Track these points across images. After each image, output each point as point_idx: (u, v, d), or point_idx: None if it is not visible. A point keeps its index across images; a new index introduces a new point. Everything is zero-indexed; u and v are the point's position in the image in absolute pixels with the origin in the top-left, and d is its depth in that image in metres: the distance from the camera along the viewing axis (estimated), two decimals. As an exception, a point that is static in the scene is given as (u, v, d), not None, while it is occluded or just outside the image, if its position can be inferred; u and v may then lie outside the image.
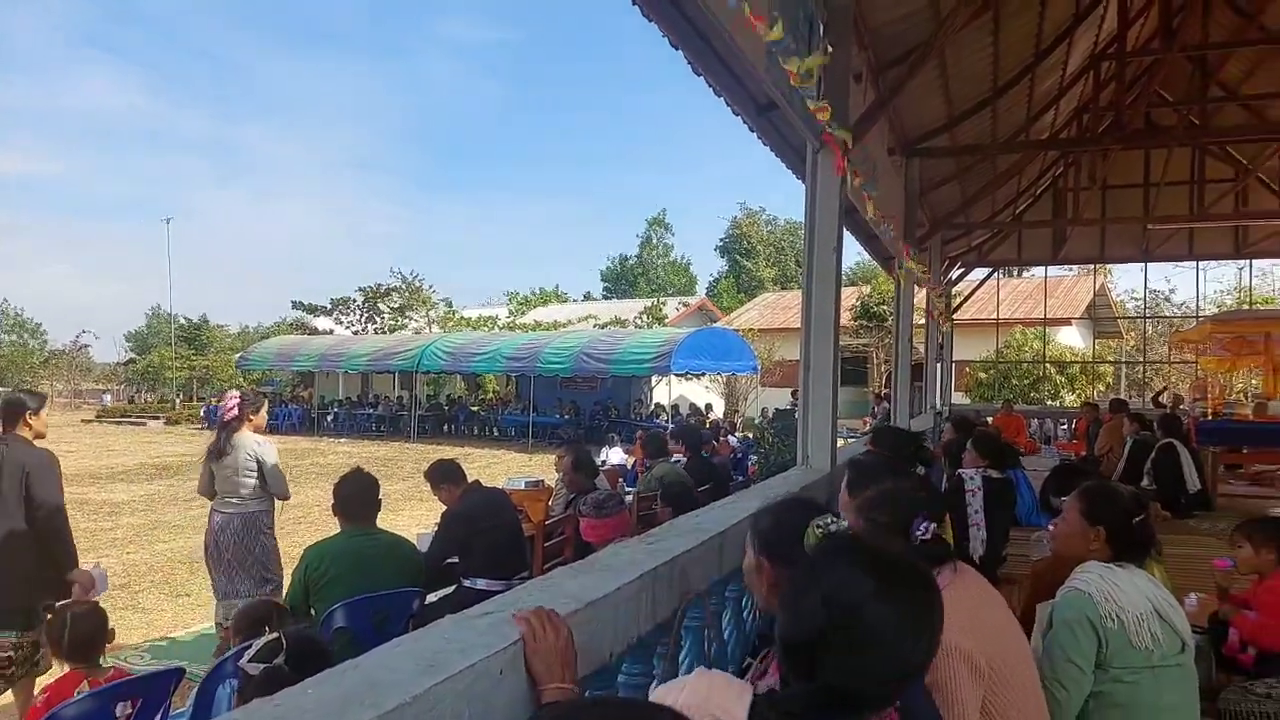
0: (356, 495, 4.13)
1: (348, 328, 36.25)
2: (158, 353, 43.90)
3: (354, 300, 36.24)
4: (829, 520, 1.97)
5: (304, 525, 10.83)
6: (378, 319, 36.03)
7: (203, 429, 29.73)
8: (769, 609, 2.11)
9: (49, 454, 4.39)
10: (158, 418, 33.15)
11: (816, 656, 1.29)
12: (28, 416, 4.44)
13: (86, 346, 49.89)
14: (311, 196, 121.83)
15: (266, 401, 5.74)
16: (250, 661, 2.23)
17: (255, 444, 5.30)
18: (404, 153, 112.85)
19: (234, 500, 5.24)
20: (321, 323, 37.43)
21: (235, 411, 5.33)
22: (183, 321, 46.40)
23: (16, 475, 4.19)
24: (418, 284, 36.56)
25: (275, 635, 2.28)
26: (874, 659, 1.29)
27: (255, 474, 5.26)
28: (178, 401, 37.69)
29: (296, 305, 37.94)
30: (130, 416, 34.22)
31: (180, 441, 24.64)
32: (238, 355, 35.22)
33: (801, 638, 1.32)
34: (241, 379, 35.77)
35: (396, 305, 36.12)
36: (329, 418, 28.55)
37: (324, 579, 3.84)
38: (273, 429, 27.91)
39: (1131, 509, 2.70)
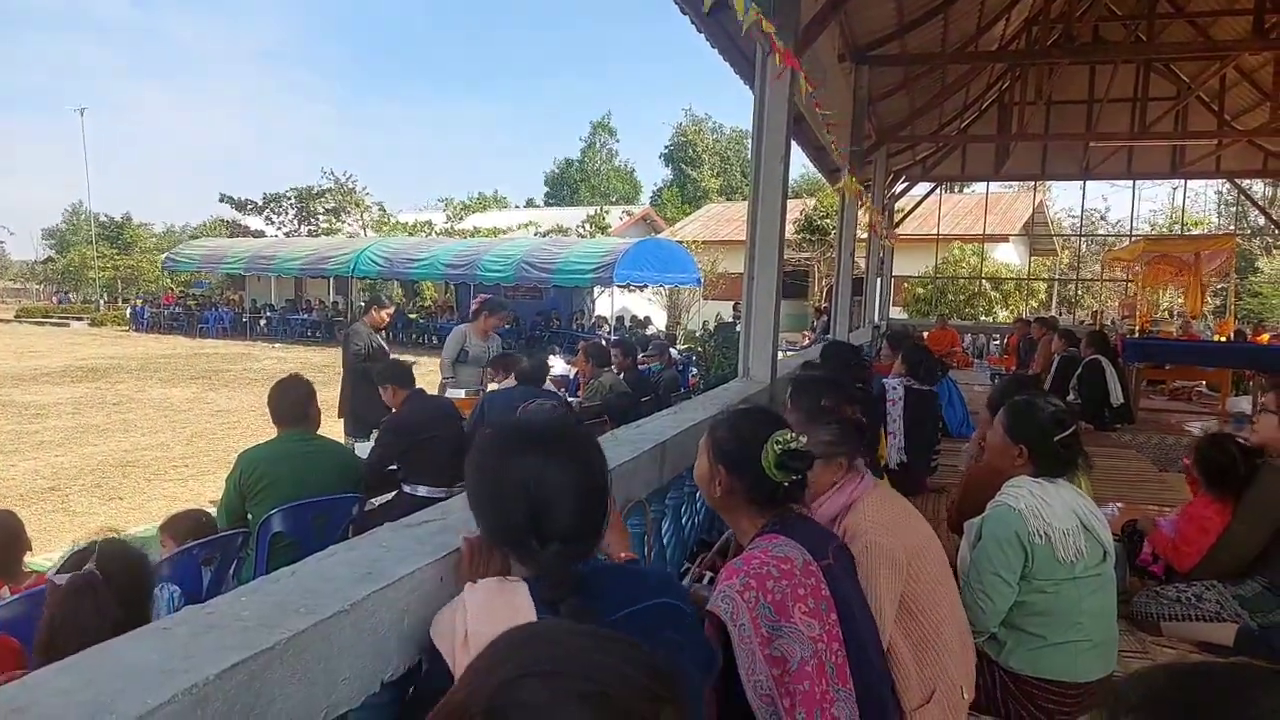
0: (291, 400, 4.03)
1: (279, 228, 35.03)
2: (78, 251, 42.05)
3: (287, 199, 34.94)
4: (789, 436, 1.97)
5: (236, 431, 10.68)
6: (312, 221, 34.86)
7: (129, 331, 28.83)
8: (719, 511, 2.14)
9: (353, 331, 6.87)
10: (81, 319, 31.98)
11: (536, 532, 1.40)
12: (373, 310, 6.97)
13: (1, 243, 47.60)
14: (233, 90, 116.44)
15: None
16: (58, 573, 2.08)
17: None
18: (329, 46, 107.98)
19: None
20: (253, 222, 36.03)
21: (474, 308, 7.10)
22: (103, 220, 44.34)
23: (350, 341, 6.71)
24: (351, 186, 35.37)
25: (83, 546, 2.15)
26: (568, 510, 1.43)
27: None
28: (102, 302, 36.32)
29: (225, 199, 36.17)
30: (53, 317, 32.95)
31: (106, 344, 23.86)
32: (164, 255, 33.86)
33: (514, 528, 1.42)
34: (168, 280, 34.58)
35: (330, 207, 34.94)
36: (261, 322, 27.86)
37: (260, 484, 3.76)
38: (203, 332, 27.30)
39: (1052, 427, 2.71)
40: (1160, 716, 0.76)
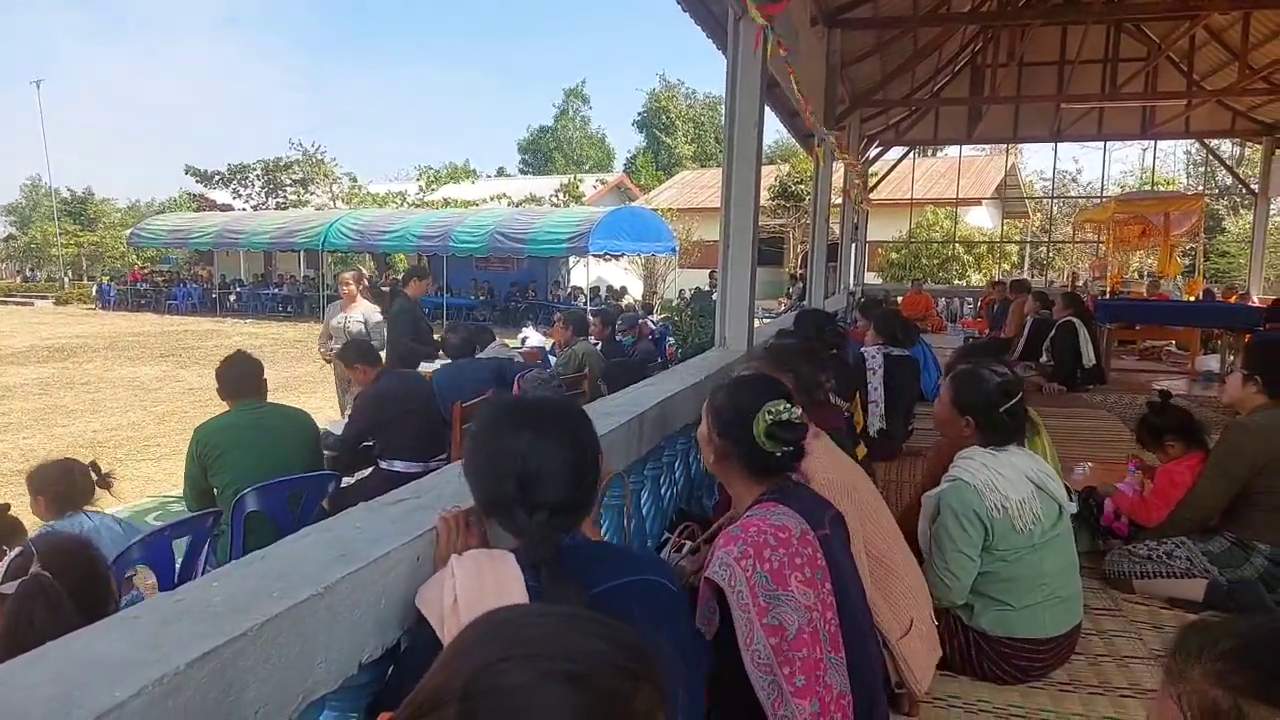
0: (241, 374, 3.99)
1: (246, 201, 34.33)
2: (39, 228, 41.18)
3: (253, 170, 34.20)
4: (782, 407, 1.95)
5: (209, 409, 10.47)
6: (279, 193, 34.16)
7: (95, 309, 28.34)
8: (716, 475, 2.16)
9: (392, 306, 7.46)
10: (46, 297, 31.40)
11: (524, 501, 1.43)
12: (413, 281, 7.65)
13: (-44, 219, 46.54)
14: (195, 59, 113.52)
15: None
16: (3, 581, 1.97)
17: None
18: (294, 11, 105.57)
19: None
20: (219, 195, 35.25)
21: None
22: (65, 195, 43.36)
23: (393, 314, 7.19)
24: (320, 157, 34.67)
25: (19, 548, 2.05)
26: (556, 483, 1.46)
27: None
28: (67, 280, 35.63)
29: (191, 171, 34.90)
30: (15, 296, 32.31)
31: (73, 322, 23.43)
32: (129, 231, 33.15)
33: (503, 497, 1.46)
34: (134, 257, 33.94)
35: (298, 179, 34.23)
36: (231, 297, 27.47)
37: (218, 452, 3.75)
38: (171, 309, 26.89)
39: (999, 397, 2.73)
40: (1258, 668, 0.76)
